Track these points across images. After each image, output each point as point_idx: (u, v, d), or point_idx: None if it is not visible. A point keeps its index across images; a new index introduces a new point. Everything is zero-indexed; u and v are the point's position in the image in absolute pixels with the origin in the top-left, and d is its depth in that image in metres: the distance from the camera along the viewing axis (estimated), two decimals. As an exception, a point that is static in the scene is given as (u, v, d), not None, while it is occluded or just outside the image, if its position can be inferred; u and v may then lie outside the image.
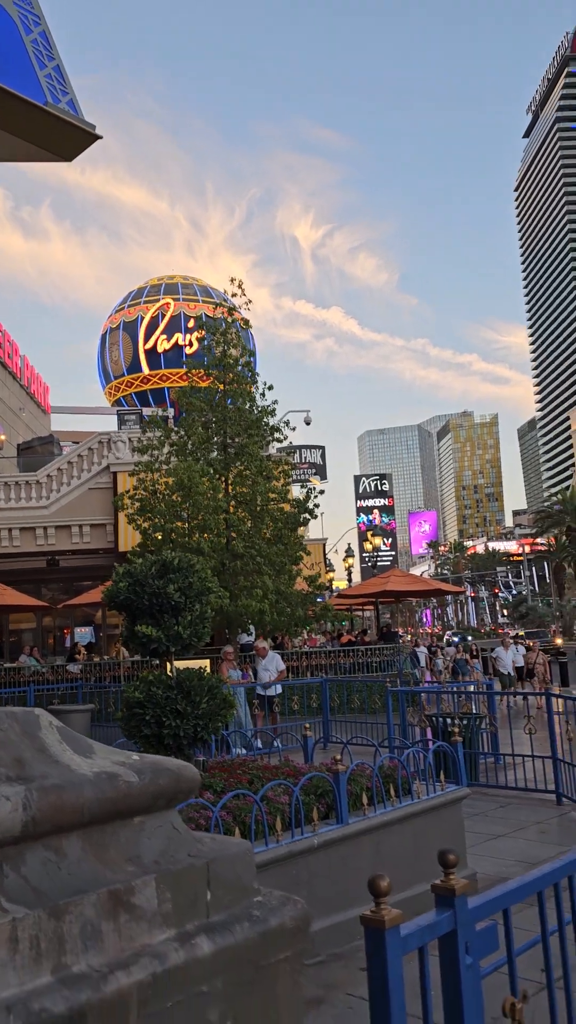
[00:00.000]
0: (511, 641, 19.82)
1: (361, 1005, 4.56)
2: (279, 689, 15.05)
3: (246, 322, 19.73)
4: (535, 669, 19.43)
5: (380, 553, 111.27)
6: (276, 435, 18.39)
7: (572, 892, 2.62)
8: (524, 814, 9.17)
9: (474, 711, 11.99)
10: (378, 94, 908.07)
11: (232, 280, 18.50)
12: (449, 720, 10.64)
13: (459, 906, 2.09)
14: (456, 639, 49.93)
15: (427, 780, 6.27)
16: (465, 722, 10.89)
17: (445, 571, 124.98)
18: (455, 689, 12.94)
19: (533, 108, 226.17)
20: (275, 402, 18.34)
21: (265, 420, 18.10)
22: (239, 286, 18.38)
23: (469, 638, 51.96)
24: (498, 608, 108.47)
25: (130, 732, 5.60)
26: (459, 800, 6.46)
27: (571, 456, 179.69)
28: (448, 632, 72.63)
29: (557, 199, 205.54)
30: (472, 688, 14.68)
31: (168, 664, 5.85)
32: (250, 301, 19.13)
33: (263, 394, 18.35)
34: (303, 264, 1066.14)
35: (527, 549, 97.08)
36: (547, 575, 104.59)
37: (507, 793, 10.26)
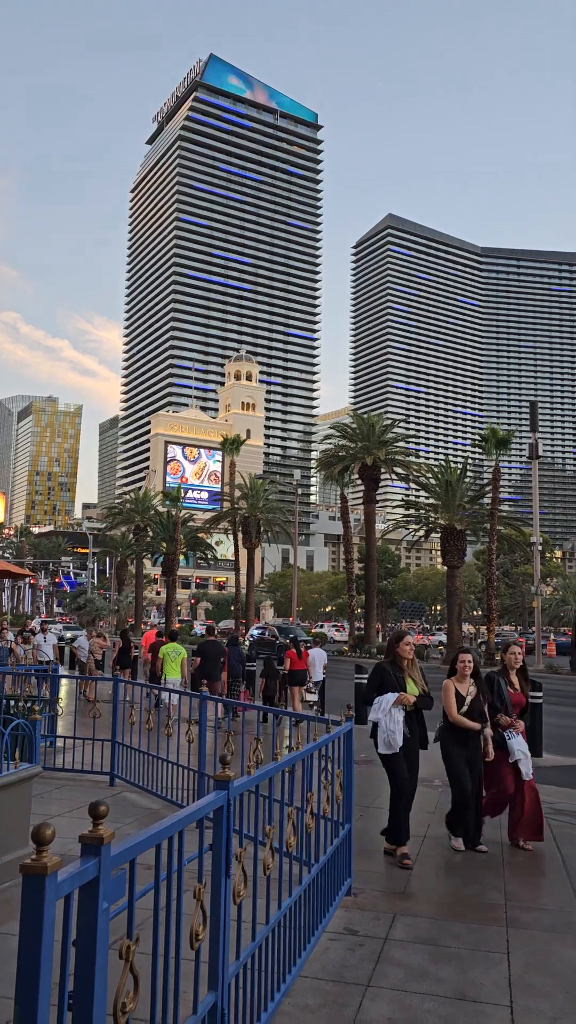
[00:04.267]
0: (95, 632, 20.35)
1: None
2: None
3: None
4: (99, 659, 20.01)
5: None
6: None
7: (181, 843, 2.90)
8: (80, 795, 9.40)
9: (38, 695, 11.92)
10: (10, 47, 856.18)
11: None
12: (13, 702, 10.49)
13: (104, 854, 2.22)
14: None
15: (1, 759, 6.17)
16: (29, 704, 10.80)
17: (7, 555, 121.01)
18: (23, 672, 12.75)
19: (160, 119, 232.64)
20: None
21: None
22: None
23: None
24: (55, 598, 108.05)
25: None
26: (31, 778, 6.46)
27: (147, 459, 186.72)
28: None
29: (168, 212, 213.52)
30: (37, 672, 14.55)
31: None
32: None
33: None
34: None
35: (93, 542, 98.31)
36: (107, 570, 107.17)
37: (63, 775, 10.42)
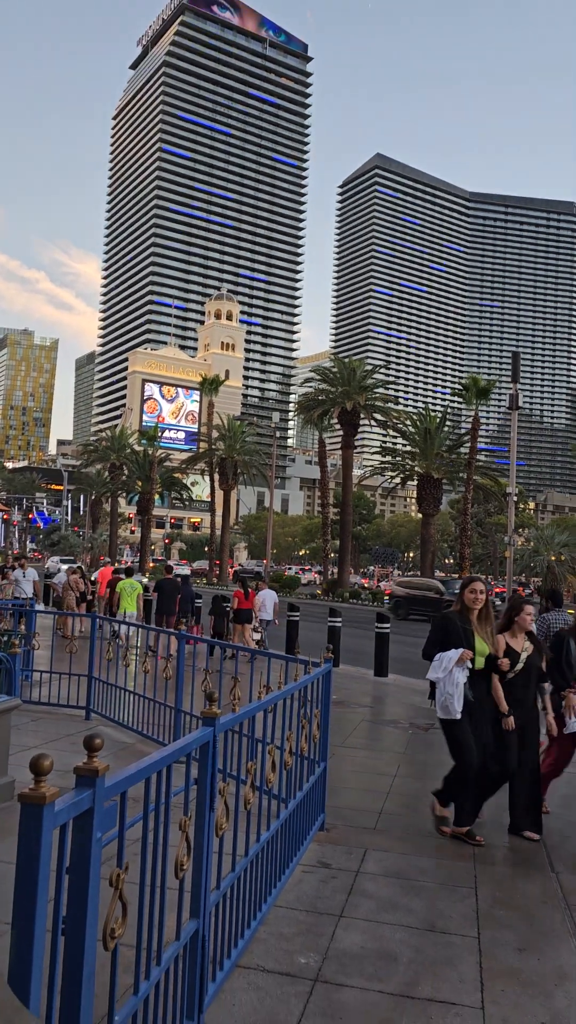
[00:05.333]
0: (72, 565, 20.64)
1: None
2: None
3: None
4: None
5: None
6: None
7: (169, 777, 2.94)
8: (56, 728, 9.50)
9: (14, 629, 11.93)
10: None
11: None
12: (-10, 636, 10.52)
13: (99, 786, 2.24)
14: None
15: (-20, 690, 6.20)
16: (5, 638, 10.83)
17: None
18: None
19: (144, 43, 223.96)
20: None
21: None
22: None
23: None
24: (29, 534, 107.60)
25: None
26: (10, 710, 6.50)
27: (124, 396, 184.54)
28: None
29: (151, 142, 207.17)
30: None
31: None
32: None
33: None
34: None
35: (68, 479, 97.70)
36: (82, 508, 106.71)
37: (38, 708, 10.50)
